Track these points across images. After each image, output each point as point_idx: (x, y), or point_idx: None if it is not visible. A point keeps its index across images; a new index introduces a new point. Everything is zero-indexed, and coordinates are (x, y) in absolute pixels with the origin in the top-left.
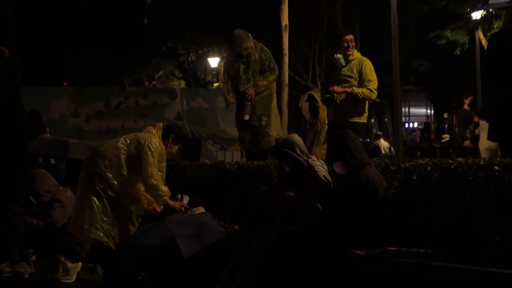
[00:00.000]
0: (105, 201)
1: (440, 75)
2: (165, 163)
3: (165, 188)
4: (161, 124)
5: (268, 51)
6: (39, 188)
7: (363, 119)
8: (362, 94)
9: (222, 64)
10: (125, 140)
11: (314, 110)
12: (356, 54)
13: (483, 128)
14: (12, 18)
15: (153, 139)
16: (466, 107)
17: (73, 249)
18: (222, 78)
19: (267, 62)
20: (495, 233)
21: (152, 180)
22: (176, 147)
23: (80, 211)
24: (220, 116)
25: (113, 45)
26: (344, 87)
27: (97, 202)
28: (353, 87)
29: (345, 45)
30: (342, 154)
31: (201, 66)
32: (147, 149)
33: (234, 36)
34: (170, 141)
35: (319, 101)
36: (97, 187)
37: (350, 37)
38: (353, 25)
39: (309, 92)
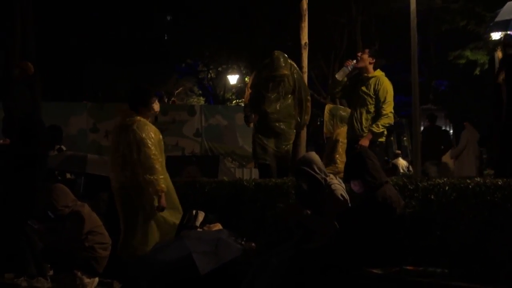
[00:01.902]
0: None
1: (459, 94)
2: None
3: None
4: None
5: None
6: (57, 202)
7: (382, 138)
8: (382, 128)
9: (252, 77)
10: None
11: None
12: (377, 73)
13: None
14: (33, 34)
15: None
16: None
17: (90, 264)
18: (249, 92)
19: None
20: None
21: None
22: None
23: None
24: (238, 133)
25: (133, 61)
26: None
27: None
28: (373, 129)
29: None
30: (360, 173)
31: (220, 83)
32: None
33: (273, 58)
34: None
35: (325, 116)
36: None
37: (359, 53)
38: (372, 44)
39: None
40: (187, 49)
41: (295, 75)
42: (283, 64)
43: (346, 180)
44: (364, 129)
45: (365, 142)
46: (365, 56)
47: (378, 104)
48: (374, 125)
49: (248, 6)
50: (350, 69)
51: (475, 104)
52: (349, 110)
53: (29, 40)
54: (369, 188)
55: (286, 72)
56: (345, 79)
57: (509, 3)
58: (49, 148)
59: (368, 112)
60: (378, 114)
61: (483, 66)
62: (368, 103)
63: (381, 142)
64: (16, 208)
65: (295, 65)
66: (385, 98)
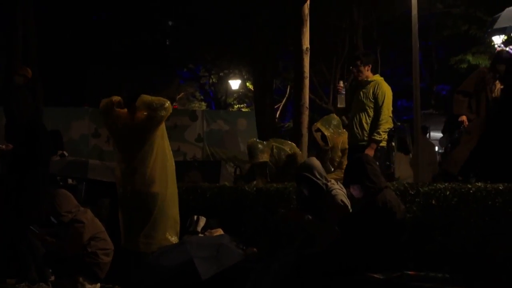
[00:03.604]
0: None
1: None
2: None
3: None
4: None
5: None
6: (60, 208)
7: (383, 143)
8: (383, 134)
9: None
10: None
11: (325, 139)
12: (375, 77)
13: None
14: (35, 39)
15: None
16: None
17: (92, 270)
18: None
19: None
20: None
21: None
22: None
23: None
24: (240, 138)
25: (134, 66)
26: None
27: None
28: (375, 137)
29: (353, 68)
30: (359, 178)
31: (222, 88)
32: None
33: (248, 147)
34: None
35: (326, 133)
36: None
37: (356, 61)
38: (374, 49)
39: (317, 124)
40: (189, 54)
41: (276, 156)
42: (259, 152)
43: (345, 184)
44: (364, 133)
45: (370, 152)
46: (361, 68)
47: (377, 108)
48: (375, 134)
49: (249, 11)
50: (343, 92)
51: None
52: (335, 116)
53: (31, 45)
54: (369, 193)
55: (264, 159)
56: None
57: (507, 9)
58: (51, 154)
59: (368, 116)
60: (377, 119)
61: None
62: (368, 107)
63: (382, 147)
64: (19, 213)
65: (276, 144)
66: (383, 102)
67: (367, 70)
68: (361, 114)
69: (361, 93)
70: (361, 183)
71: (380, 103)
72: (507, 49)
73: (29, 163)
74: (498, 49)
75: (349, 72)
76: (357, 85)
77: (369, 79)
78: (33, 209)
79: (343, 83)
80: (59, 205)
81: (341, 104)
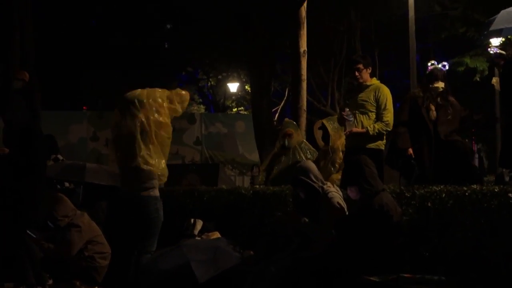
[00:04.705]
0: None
1: (459, 101)
2: None
3: None
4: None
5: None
6: (56, 212)
7: (381, 146)
8: (377, 132)
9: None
10: None
11: (326, 138)
12: (373, 81)
13: None
14: (32, 43)
15: None
16: None
17: (89, 274)
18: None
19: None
20: (510, 260)
21: None
22: None
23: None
24: (239, 141)
25: (133, 69)
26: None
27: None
28: (369, 129)
29: (355, 72)
30: (357, 180)
31: (220, 91)
32: None
33: None
34: None
35: (330, 130)
36: None
37: (358, 65)
38: (372, 51)
39: (322, 120)
40: (187, 57)
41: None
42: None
43: (343, 186)
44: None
45: (355, 130)
46: (363, 71)
47: (379, 111)
48: (371, 126)
49: (247, 14)
50: (351, 118)
51: (475, 111)
52: (334, 118)
53: (29, 50)
54: (366, 195)
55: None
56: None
57: (503, 11)
58: (46, 158)
59: (368, 118)
60: (377, 120)
61: (482, 73)
62: (368, 110)
63: (381, 150)
64: (16, 217)
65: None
66: (385, 105)
67: (368, 73)
68: (361, 117)
69: (361, 95)
70: (359, 185)
71: (383, 106)
72: (439, 66)
73: (25, 168)
74: (430, 67)
75: (347, 75)
76: (354, 89)
77: (367, 83)
78: (30, 214)
79: (347, 110)
80: (55, 209)
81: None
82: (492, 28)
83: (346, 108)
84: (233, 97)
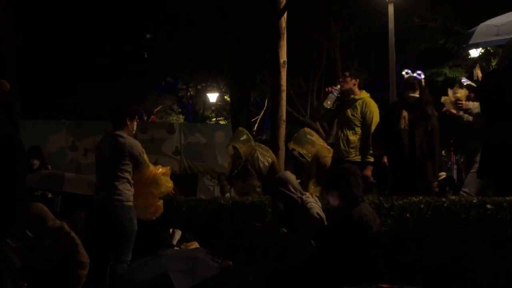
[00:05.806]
0: None
1: (438, 112)
2: None
3: None
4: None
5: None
6: (35, 221)
7: (370, 158)
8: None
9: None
10: None
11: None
12: (362, 94)
13: None
14: (11, 52)
15: None
16: None
17: (68, 283)
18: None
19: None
20: (488, 270)
21: None
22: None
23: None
24: (218, 151)
25: (112, 79)
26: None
27: None
28: (369, 160)
29: (340, 78)
30: (340, 186)
31: (200, 101)
32: None
33: None
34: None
35: (301, 151)
36: None
37: (345, 73)
38: (351, 62)
39: (290, 145)
40: (167, 67)
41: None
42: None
43: (326, 189)
44: (350, 150)
45: (368, 173)
46: (348, 79)
47: (366, 127)
48: (369, 156)
49: (227, 24)
50: (336, 94)
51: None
52: (306, 130)
53: (8, 58)
54: (345, 203)
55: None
56: (334, 106)
57: (482, 25)
58: (27, 168)
59: (354, 133)
60: (366, 139)
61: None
62: (355, 125)
63: (369, 161)
64: None
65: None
66: (371, 120)
67: (354, 85)
68: (347, 131)
69: (348, 110)
70: (340, 192)
71: (369, 121)
72: (415, 74)
73: (4, 177)
74: (406, 76)
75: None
76: (343, 102)
77: (356, 97)
78: (9, 223)
79: (339, 87)
80: (34, 218)
81: (328, 105)
82: (471, 41)
83: (339, 86)
84: (213, 107)
